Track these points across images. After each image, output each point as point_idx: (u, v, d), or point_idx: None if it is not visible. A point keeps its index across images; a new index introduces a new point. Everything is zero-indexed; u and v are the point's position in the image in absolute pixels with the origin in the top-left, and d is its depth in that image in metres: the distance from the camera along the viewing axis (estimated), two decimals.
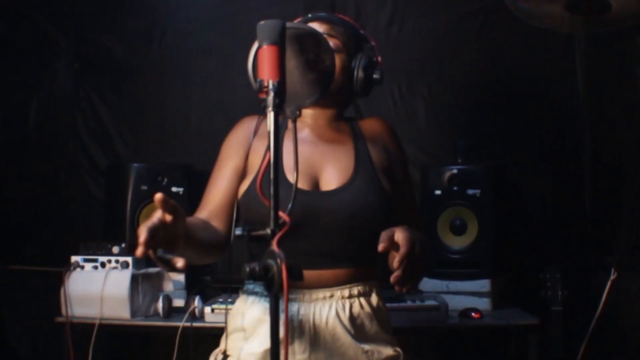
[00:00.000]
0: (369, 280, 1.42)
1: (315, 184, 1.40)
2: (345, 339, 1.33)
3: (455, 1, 2.69)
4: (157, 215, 1.01)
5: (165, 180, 2.41)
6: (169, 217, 1.01)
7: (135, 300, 2.11)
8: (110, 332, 2.34)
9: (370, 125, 1.57)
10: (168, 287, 2.39)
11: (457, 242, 2.39)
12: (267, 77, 1.00)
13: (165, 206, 1.00)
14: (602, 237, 2.43)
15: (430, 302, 2.14)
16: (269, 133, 0.97)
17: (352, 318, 1.35)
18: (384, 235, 1.18)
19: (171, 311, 2.19)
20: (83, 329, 2.09)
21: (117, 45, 2.81)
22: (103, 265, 2.15)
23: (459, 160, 2.45)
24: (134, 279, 2.10)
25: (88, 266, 2.16)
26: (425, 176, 2.48)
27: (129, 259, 2.13)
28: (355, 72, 1.45)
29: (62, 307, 2.10)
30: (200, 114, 2.78)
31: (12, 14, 2.79)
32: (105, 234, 2.45)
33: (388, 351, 1.40)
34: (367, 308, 1.37)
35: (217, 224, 1.38)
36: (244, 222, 1.37)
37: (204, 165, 2.38)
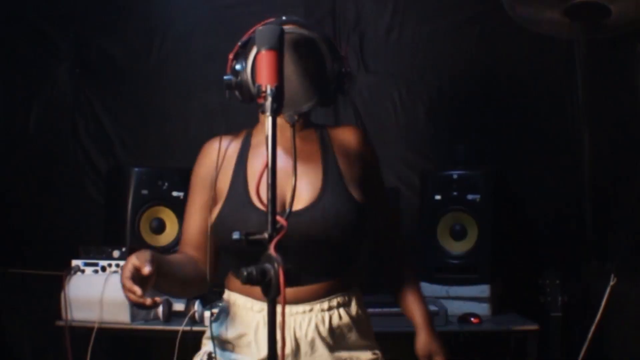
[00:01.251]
0: (348, 290, 1.42)
1: (284, 203, 1.33)
2: (322, 350, 1.35)
3: (454, 7, 2.70)
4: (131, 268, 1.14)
5: (166, 184, 2.42)
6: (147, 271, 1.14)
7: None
8: (110, 336, 2.34)
9: (341, 134, 1.51)
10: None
11: (456, 248, 2.40)
12: (266, 82, 0.99)
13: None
14: (602, 243, 2.42)
15: (429, 308, 2.14)
16: (266, 137, 0.97)
17: (332, 330, 1.36)
18: None
19: (171, 315, 2.19)
20: (83, 332, 2.09)
21: (117, 49, 2.81)
22: (104, 269, 2.15)
23: (459, 166, 2.46)
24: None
25: (89, 270, 2.16)
26: (425, 181, 2.50)
27: None
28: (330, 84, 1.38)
29: (62, 311, 2.11)
30: (201, 118, 2.77)
31: (13, 17, 2.79)
32: (106, 237, 2.46)
33: (367, 355, 1.41)
34: (345, 318, 1.38)
35: (199, 259, 1.41)
36: (218, 246, 1.39)
37: None
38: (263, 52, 1.02)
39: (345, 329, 1.38)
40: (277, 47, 1.02)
